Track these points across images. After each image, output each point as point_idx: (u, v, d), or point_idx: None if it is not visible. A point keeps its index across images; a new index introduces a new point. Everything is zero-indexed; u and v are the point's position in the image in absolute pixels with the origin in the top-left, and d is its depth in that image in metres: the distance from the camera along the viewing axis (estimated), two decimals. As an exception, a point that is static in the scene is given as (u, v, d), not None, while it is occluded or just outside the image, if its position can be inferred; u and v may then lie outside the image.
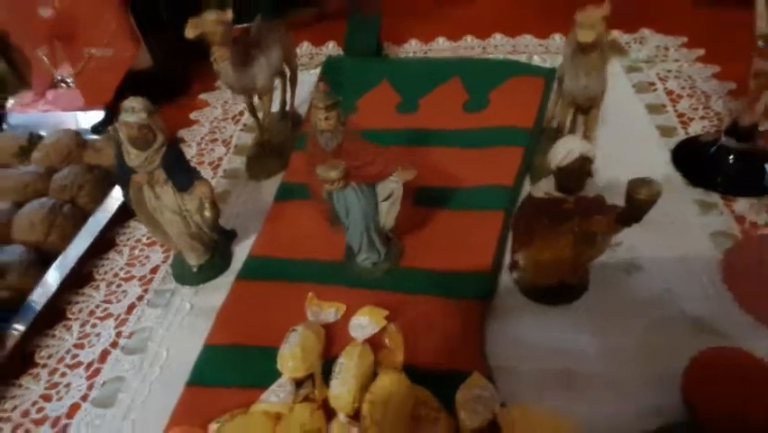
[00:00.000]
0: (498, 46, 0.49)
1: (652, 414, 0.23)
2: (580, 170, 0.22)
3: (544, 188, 0.24)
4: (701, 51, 0.43)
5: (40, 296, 0.30)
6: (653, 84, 0.41)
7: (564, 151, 0.22)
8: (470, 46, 0.50)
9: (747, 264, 0.28)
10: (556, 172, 0.23)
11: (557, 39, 0.48)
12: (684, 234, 0.30)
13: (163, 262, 0.33)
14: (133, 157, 0.27)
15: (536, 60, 0.46)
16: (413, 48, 0.51)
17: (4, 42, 0.47)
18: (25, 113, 0.43)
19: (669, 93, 0.40)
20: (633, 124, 0.38)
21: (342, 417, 0.23)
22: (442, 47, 0.51)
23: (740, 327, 0.25)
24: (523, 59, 0.45)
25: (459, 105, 0.41)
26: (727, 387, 0.21)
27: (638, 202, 0.22)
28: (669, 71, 0.42)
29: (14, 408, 0.27)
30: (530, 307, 0.28)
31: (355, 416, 0.23)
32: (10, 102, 0.43)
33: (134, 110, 0.26)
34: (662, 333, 0.26)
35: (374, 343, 0.26)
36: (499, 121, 0.38)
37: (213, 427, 0.24)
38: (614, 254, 0.29)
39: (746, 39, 0.29)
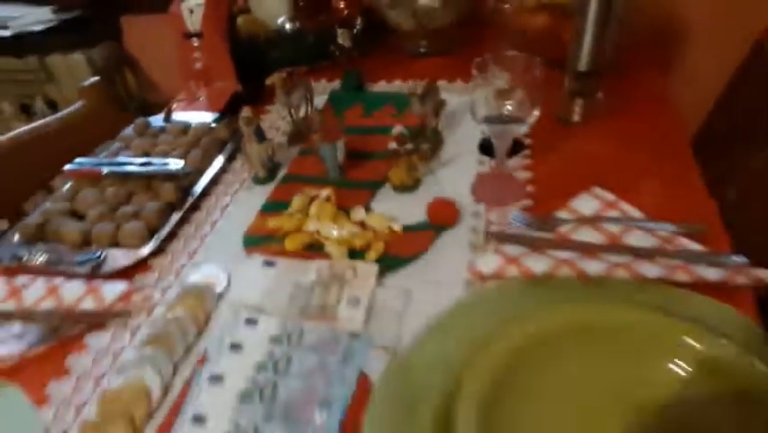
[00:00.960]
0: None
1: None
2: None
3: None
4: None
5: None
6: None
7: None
8: (410, 86, 0.92)
9: (483, 181, 0.68)
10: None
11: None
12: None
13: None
14: (245, 129, 0.69)
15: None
16: (380, 85, 0.93)
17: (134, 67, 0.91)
18: (182, 111, 0.87)
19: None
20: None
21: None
22: (395, 86, 0.92)
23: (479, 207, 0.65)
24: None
25: (390, 114, 0.83)
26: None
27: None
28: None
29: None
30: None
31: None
32: (174, 104, 0.87)
33: (245, 112, 0.69)
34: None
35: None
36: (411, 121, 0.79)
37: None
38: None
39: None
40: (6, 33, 1.31)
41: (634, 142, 0.69)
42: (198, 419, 0.44)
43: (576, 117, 0.76)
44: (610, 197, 0.59)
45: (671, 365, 0.40)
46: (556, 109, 0.76)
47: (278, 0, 0.97)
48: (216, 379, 0.46)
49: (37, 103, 1.44)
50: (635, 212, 0.57)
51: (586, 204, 0.58)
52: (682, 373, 0.39)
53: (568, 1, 0.77)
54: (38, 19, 1.33)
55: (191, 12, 0.80)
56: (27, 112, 1.45)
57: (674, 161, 0.65)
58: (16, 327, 0.54)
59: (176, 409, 0.45)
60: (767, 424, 0.35)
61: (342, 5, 1.00)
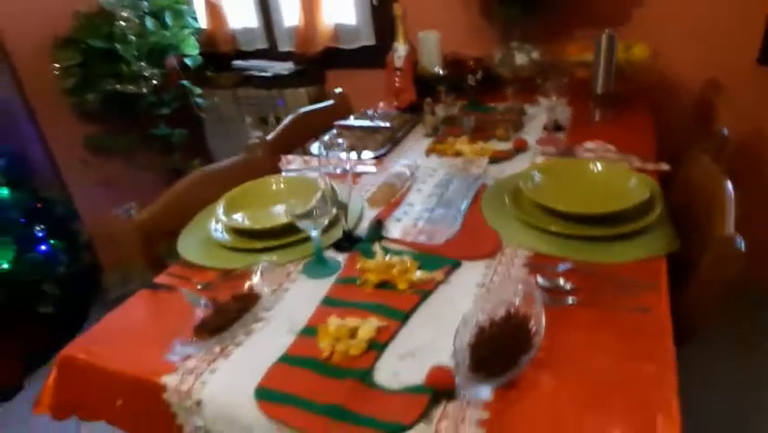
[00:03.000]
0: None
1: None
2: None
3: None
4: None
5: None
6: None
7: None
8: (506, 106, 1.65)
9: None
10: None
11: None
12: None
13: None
14: (427, 109, 1.45)
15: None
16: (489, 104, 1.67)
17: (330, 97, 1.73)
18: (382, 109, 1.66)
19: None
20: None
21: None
22: (500, 104, 1.66)
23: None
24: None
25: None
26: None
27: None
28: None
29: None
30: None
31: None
32: (380, 105, 1.66)
33: (428, 102, 1.45)
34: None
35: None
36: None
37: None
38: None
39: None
40: (268, 74, 2.25)
41: (622, 137, 1.36)
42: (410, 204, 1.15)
43: (596, 117, 1.44)
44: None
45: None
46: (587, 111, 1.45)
47: (435, 57, 1.77)
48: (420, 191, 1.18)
49: (270, 118, 2.35)
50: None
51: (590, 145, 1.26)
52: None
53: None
54: (284, 68, 2.26)
55: (398, 57, 1.61)
56: (265, 123, 2.36)
57: (643, 138, 1.31)
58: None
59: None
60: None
61: (471, 63, 1.78)
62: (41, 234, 2.06)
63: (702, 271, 0.79)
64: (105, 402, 0.81)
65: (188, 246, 1.05)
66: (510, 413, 0.62)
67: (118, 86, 1.98)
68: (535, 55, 1.68)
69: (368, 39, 2.14)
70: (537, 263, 0.87)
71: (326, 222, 0.91)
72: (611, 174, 1.05)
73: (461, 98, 1.61)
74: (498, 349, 0.67)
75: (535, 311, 0.71)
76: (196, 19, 2.33)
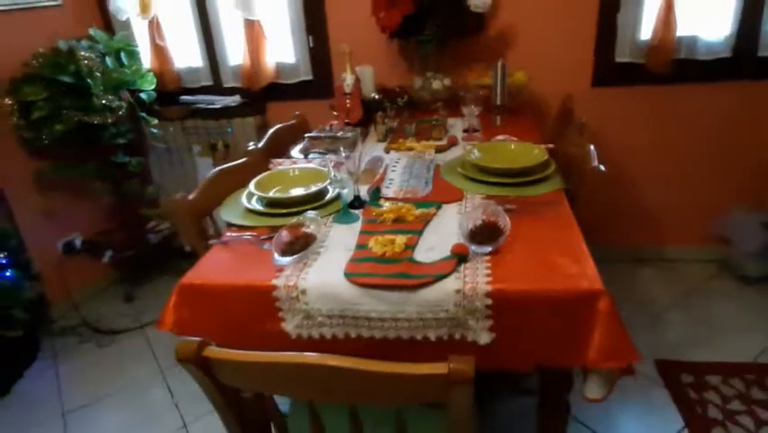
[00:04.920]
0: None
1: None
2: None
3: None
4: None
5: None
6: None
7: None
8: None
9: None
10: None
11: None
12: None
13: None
14: (379, 119, 1.93)
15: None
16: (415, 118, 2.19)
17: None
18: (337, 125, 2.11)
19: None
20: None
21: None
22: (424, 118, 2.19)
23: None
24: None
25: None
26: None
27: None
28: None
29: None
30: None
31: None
32: (333, 123, 2.10)
33: (380, 116, 1.93)
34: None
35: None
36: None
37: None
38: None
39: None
40: (216, 106, 2.58)
41: (519, 132, 1.96)
42: (391, 180, 1.61)
43: (498, 122, 2.03)
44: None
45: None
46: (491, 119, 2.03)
47: (370, 85, 2.26)
48: (394, 171, 1.64)
49: (219, 144, 2.65)
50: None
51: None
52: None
53: (490, 82, 2.08)
54: (231, 101, 2.60)
55: (347, 85, 2.08)
56: (214, 149, 2.65)
57: (530, 132, 1.91)
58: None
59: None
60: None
61: (397, 89, 2.30)
62: (5, 261, 2.15)
63: (585, 187, 1.35)
64: (217, 316, 1.13)
65: (234, 216, 1.39)
66: (500, 260, 1.09)
67: (86, 117, 2.18)
68: (447, 81, 2.25)
69: (306, 74, 2.58)
70: (489, 200, 1.37)
71: (348, 186, 1.33)
72: (522, 148, 1.60)
73: (397, 114, 2.12)
74: (486, 235, 1.14)
75: (500, 217, 1.19)
76: (139, 60, 2.59)
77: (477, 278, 1.03)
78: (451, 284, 1.03)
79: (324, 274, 1.10)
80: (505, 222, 1.17)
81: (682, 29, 2.13)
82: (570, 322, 1.00)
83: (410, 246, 1.17)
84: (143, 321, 2.50)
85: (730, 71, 2.20)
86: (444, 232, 1.23)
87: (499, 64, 1.95)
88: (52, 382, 2.16)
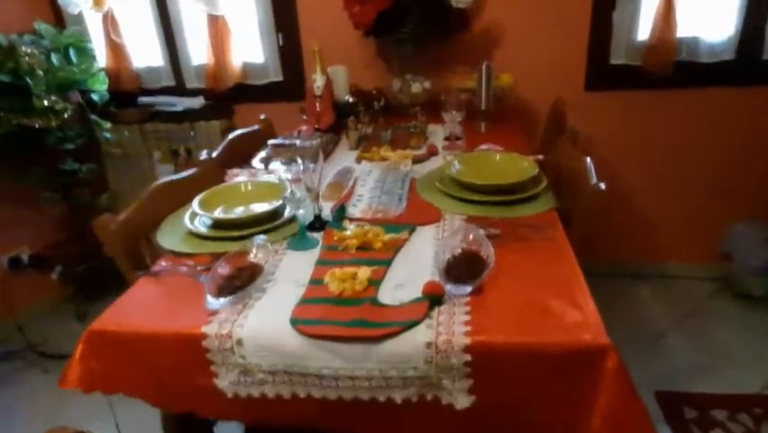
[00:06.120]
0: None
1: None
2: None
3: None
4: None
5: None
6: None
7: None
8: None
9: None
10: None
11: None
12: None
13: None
14: (351, 125, 1.73)
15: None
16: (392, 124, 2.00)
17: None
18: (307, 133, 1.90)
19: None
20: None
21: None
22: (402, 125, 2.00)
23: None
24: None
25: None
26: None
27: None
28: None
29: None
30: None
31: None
32: (302, 128, 1.90)
33: (351, 121, 1.72)
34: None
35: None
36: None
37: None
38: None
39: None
40: (178, 109, 2.35)
41: (505, 141, 1.77)
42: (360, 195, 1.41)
43: (482, 129, 1.84)
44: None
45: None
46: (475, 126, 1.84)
47: (344, 87, 2.06)
48: (364, 186, 1.44)
49: (181, 150, 2.43)
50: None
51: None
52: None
53: (474, 85, 1.89)
54: (195, 103, 2.38)
55: (317, 87, 1.87)
56: (176, 155, 2.43)
57: (517, 140, 1.72)
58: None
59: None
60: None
61: (374, 92, 2.10)
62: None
63: (582, 207, 1.16)
64: (135, 369, 0.91)
65: (172, 241, 1.17)
66: (482, 302, 0.89)
67: (25, 120, 1.95)
68: (427, 84, 2.06)
69: (276, 75, 2.37)
70: (470, 223, 1.17)
71: (305, 206, 1.12)
72: (509, 160, 1.41)
73: (372, 120, 1.91)
74: (465, 269, 0.94)
75: (483, 245, 1.00)
76: (95, 57, 2.36)
77: (453, 327, 0.83)
78: (421, 335, 0.83)
79: (266, 320, 0.90)
80: (488, 251, 0.98)
81: (683, 29, 1.96)
82: (568, 383, 0.81)
83: (375, 282, 0.97)
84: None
85: (733, 75, 2.03)
86: (417, 263, 1.03)
87: (484, 66, 1.76)
88: (-11, 415, 1.93)
